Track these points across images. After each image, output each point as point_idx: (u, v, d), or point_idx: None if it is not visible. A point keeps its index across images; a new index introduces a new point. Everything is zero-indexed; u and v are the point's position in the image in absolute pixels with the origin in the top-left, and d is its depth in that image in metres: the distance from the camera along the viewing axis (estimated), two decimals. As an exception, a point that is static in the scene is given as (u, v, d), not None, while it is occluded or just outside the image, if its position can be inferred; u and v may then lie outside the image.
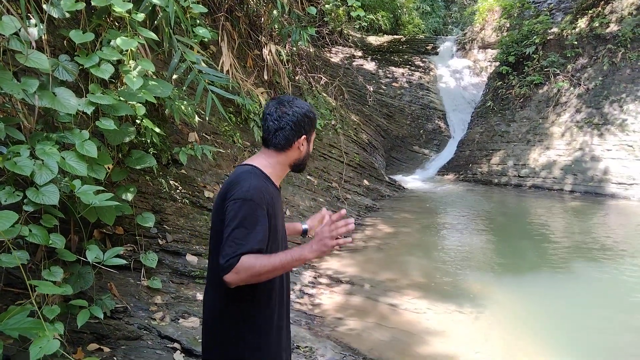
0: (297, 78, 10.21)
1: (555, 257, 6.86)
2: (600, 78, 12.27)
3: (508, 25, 16.73)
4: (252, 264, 1.76)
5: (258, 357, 2.01)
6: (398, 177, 13.41)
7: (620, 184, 10.84)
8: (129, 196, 3.89)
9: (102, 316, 3.05)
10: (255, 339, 1.99)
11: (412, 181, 13.59)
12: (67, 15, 3.31)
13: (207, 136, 6.78)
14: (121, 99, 3.46)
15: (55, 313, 2.55)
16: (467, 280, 5.94)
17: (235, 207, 1.84)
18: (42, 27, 3.08)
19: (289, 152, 2.06)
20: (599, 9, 13.27)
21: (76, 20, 4.04)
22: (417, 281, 5.81)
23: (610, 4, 12.97)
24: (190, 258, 4.71)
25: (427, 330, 4.52)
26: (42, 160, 2.70)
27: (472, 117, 15.86)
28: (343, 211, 1.84)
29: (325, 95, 11.50)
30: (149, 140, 4.57)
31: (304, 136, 2.06)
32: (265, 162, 2.05)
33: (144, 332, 3.50)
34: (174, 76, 5.39)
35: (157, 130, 4.50)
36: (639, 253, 7.02)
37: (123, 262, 3.25)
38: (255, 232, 1.82)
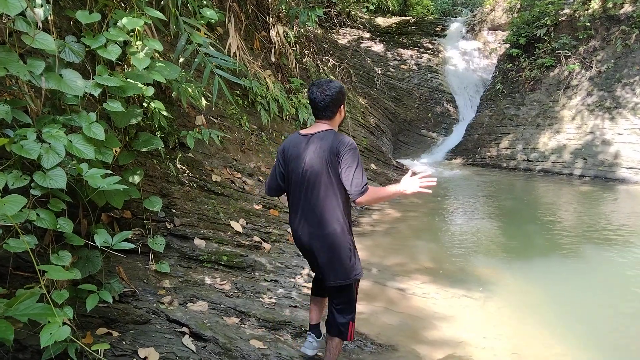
0: (304, 60, 10.10)
1: (565, 242, 6.81)
2: (612, 60, 12.06)
3: (519, 6, 16.42)
4: (374, 191, 2.78)
5: (359, 260, 3.10)
6: (405, 161, 13.32)
7: (631, 168, 10.71)
8: (136, 179, 3.86)
9: (111, 300, 3.04)
10: (355, 247, 3.06)
11: (419, 165, 13.50)
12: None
13: (214, 119, 6.73)
14: (129, 80, 3.41)
15: (64, 297, 2.53)
16: (476, 265, 5.91)
17: (353, 153, 2.78)
18: (47, 7, 3.03)
19: (336, 118, 2.99)
20: (614, -12, 12.99)
21: (82, 1, 3.98)
22: (425, 266, 5.78)
23: (626, -16, 12.69)
24: (198, 242, 4.69)
25: (435, 315, 4.51)
26: (49, 144, 2.67)
27: (481, 100, 15.69)
28: (429, 171, 2.70)
29: (333, 78, 11.39)
30: (156, 124, 4.53)
31: (342, 105, 2.98)
32: (329, 126, 2.95)
33: (153, 316, 3.49)
34: (181, 59, 5.33)
35: (165, 113, 4.46)
36: (650, 239, 6.96)
37: (132, 246, 3.24)
38: (364, 172, 2.79)
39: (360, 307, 4.50)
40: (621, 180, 10.68)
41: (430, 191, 2.73)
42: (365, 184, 2.72)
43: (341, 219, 2.90)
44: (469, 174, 12.37)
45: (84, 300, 2.91)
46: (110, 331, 3.12)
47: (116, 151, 3.69)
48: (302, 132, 3.01)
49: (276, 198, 6.75)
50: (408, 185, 2.73)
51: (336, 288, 3.02)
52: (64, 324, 2.26)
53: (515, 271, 5.75)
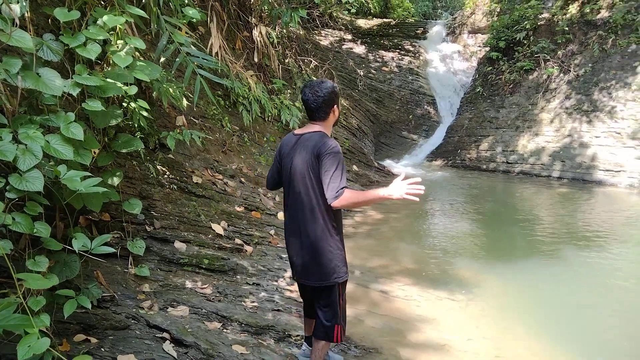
0: (286, 61, 10.05)
1: (545, 243, 6.88)
2: (590, 65, 12.27)
3: (499, 10, 16.62)
4: (349, 196, 2.69)
5: (345, 262, 3.07)
6: (387, 163, 13.35)
7: (607, 170, 10.91)
8: (115, 181, 3.77)
9: (89, 306, 2.95)
10: (341, 249, 3.03)
11: (400, 167, 13.55)
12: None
13: (195, 120, 6.65)
14: (108, 80, 3.33)
15: (40, 304, 2.44)
16: (458, 266, 5.93)
17: (333, 157, 2.75)
18: (24, 4, 2.93)
19: (330, 118, 2.99)
20: (590, -6, 13.23)
21: (60, -2, 3.87)
22: (407, 268, 5.78)
23: (602, -10, 12.94)
24: (178, 245, 4.61)
25: (418, 318, 4.50)
26: (26, 145, 2.58)
27: (461, 102, 15.82)
28: (418, 179, 2.69)
29: (315, 79, 11.35)
30: (136, 125, 4.44)
31: (334, 105, 2.96)
32: (322, 127, 2.96)
33: (132, 321, 3.41)
34: (162, 58, 5.24)
35: (145, 113, 4.37)
36: (627, 240, 7.09)
37: (111, 250, 3.16)
38: (344, 175, 2.75)
39: (343, 310, 4.48)
40: (598, 182, 10.87)
41: (417, 199, 2.68)
42: (342, 188, 2.68)
43: (321, 220, 2.89)
44: (450, 176, 12.46)
45: (62, 306, 2.82)
46: (89, 338, 3.03)
47: (95, 152, 3.60)
48: (296, 131, 3.07)
49: (258, 200, 6.69)
50: (396, 189, 2.68)
51: (314, 288, 3.05)
52: (42, 333, 2.17)
53: (497, 273, 5.79)
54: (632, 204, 9.40)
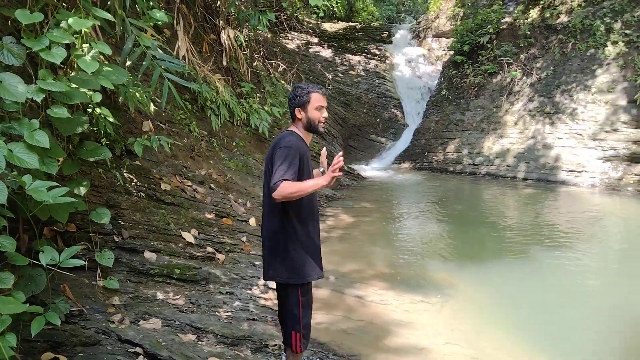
0: (254, 64, 9.94)
1: (513, 243, 7.00)
2: (551, 68, 12.60)
3: (462, 14, 16.93)
4: (286, 186, 2.68)
5: (304, 265, 2.97)
6: (356, 166, 13.39)
7: (570, 171, 11.21)
8: (82, 190, 3.63)
9: (59, 323, 2.80)
10: (301, 251, 2.96)
11: (370, 170, 13.61)
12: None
13: (161, 125, 6.48)
14: (74, 85, 3.18)
15: (6, 324, 2.29)
16: (431, 269, 5.96)
17: (281, 151, 2.82)
18: (-19, 5, 2.77)
19: (298, 121, 3.06)
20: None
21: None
22: (381, 272, 5.77)
23: (560, -5, 13.34)
24: (148, 255, 4.46)
25: (395, 322, 4.49)
26: (-14, 155, 2.43)
27: (427, 105, 16.02)
28: (339, 156, 2.67)
29: (283, 82, 11.28)
30: (102, 131, 4.28)
31: (297, 108, 3.03)
32: (295, 128, 3.07)
33: (103, 336, 3.27)
34: (127, 62, 5.08)
35: (111, 119, 4.22)
36: (590, 239, 7.27)
37: (81, 263, 3.01)
38: (291, 167, 2.76)
39: (319, 316, 4.44)
40: (562, 183, 11.15)
41: (340, 173, 2.71)
42: (279, 180, 2.70)
43: (278, 215, 2.94)
44: (418, 178, 12.58)
45: (28, 323, 2.67)
46: (57, 356, 2.88)
47: (59, 161, 3.44)
48: None
49: (229, 206, 6.57)
50: (324, 177, 2.69)
51: (277, 287, 3.10)
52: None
53: (469, 274, 5.85)
54: (594, 203, 9.67)
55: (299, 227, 2.96)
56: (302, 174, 2.85)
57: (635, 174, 10.39)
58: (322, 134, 3.21)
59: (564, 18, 12.86)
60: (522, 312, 4.92)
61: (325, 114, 3.08)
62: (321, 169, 3.37)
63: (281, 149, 2.84)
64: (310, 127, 3.04)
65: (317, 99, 3.02)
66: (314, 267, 3.03)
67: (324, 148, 3.35)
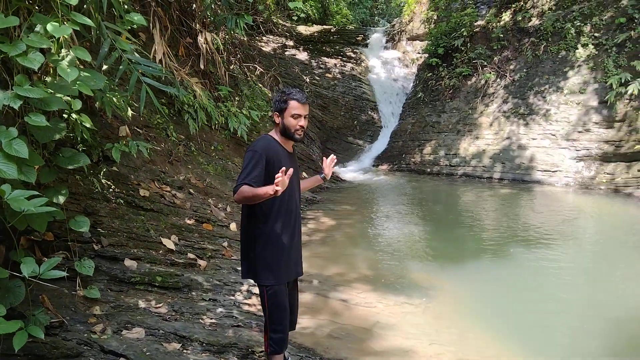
0: (232, 67, 9.86)
1: (492, 243, 7.09)
2: (524, 70, 12.84)
3: (436, 18, 17.11)
4: (243, 190, 2.74)
5: (268, 267, 3.00)
6: (335, 169, 13.35)
7: (545, 171, 11.43)
8: (61, 199, 3.54)
9: (42, 336, 2.71)
10: (266, 251, 3.01)
11: (348, 172, 13.63)
12: (-16, -5, 2.89)
13: (138, 129, 6.37)
14: (49, 91, 3.09)
15: (-15, 339, 2.22)
16: (413, 270, 5.99)
17: (246, 155, 2.91)
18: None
19: (276, 125, 3.09)
20: (521, 3, 13.87)
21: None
22: (364, 274, 5.78)
23: (531, -1, 13.61)
24: (129, 263, 4.38)
25: (380, 325, 4.49)
26: (-38, 163, 2.34)
27: (403, 108, 16.14)
28: (290, 170, 2.70)
29: (261, 85, 11.22)
30: (78, 137, 4.18)
31: (275, 112, 3.08)
32: (273, 132, 3.12)
33: (85, 347, 3.18)
34: (104, 67, 4.98)
35: (88, 125, 4.12)
36: (567, 237, 7.43)
37: (63, 274, 2.93)
38: (253, 171, 2.82)
39: (305, 321, 4.42)
40: (537, 182, 11.35)
41: (280, 188, 2.63)
42: (238, 185, 2.78)
43: (246, 217, 3.06)
44: (396, 180, 12.65)
45: (8, 337, 2.58)
46: (38, 370, 2.80)
47: (36, 168, 3.34)
48: None
49: (209, 211, 6.49)
50: (270, 187, 2.64)
51: None
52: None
53: (450, 275, 5.90)
54: (568, 202, 9.88)
55: (265, 228, 3.00)
56: (272, 178, 2.76)
57: (607, 173, 10.65)
58: (298, 141, 3.16)
59: (535, 21, 13.12)
60: (503, 312, 4.99)
61: (303, 122, 3.05)
62: (321, 175, 3.51)
63: (247, 153, 2.92)
64: (286, 133, 3.05)
65: (294, 107, 3.01)
66: (280, 270, 3.04)
67: (332, 156, 3.52)
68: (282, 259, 3.05)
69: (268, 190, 2.66)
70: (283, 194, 2.82)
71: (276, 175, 2.62)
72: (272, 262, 3.02)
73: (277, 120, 3.06)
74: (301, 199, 3.64)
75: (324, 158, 3.49)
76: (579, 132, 11.28)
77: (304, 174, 10.52)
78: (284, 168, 2.66)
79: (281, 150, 3.06)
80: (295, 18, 20.04)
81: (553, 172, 11.30)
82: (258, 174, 2.83)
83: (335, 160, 3.40)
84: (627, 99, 10.63)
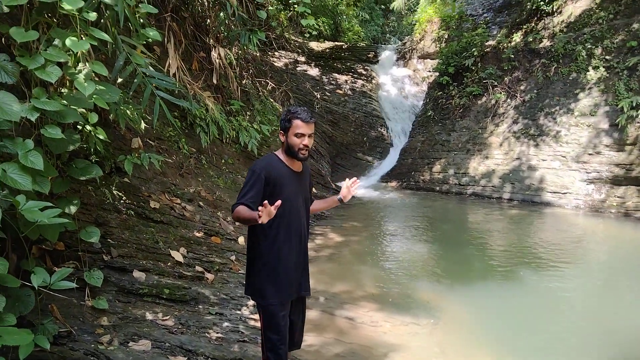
0: (244, 82, 9.97)
1: (501, 264, 7.04)
2: (535, 91, 12.85)
3: (447, 37, 17.22)
4: (238, 210, 2.78)
5: (264, 286, 2.99)
6: (343, 184, 13.38)
7: (554, 192, 11.37)
8: (73, 209, 3.58)
9: (48, 346, 2.74)
10: (264, 270, 3.00)
11: (357, 188, 13.61)
12: (6, 9, 2.97)
13: (150, 142, 6.44)
14: (65, 103, 3.15)
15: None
16: (420, 290, 5.96)
17: (247, 175, 2.95)
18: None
19: (282, 144, 3.07)
20: (532, 24, 13.93)
21: (10, 15, 3.66)
22: (371, 292, 5.75)
23: (543, 21, 13.66)
24: (137, 274, 4.40)
25: (386, 345, 4.46)
26: (-21, 174, 2.39)
27: (413, 125, 16.17)
28: (277, 202, 2.63)
29: (272, 100, 11.32)
30: (92, 148, 4.24)
31: (281, 131, 3.07)
32: (280, 150, 3.12)
33: (92, 358, 3.20)
34: (119, 79, 5.06)
35: (102, 137, 4.18)
36: (576, 260, 7.36)
37: (73, 285, 2.96)
38: (250, 191, 2.86)
39: (310, 338, 4.40)
40: (546, 204, 11.29)
41: (271, 211, 2.59)
42: (235, 204, 2.83)
43: (249, 234, 3.09)
44: (405, 197, 12.64)
45: (14, 345, 2.59)
46: (45, 380, 2.81)
47: (49, 179, 3.38)
48: None
49: (217, 224, 6.52)
50: (257, 214, 2.58)
51: None
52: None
53: (457, 295, 5.86)
54: (578, 224, 9.81)
55: (264, 247, 2.99)
56: (274, 197, 2.79)
57: (618, 197, 10.57)
58: (302, 160, 3.09)
59: (546, 42, 13.16)
60: (511, 334, 4.93)
61: (307, 141, 2.98)
62: (338, 197, 3.50)
63: (248, 172, 2.96)
64: (290, 152, 3.01)
65: (298, 126, 2.95)
66: (277, 290, 2.98)
67: (354, 178, 3.51)
68: (280, 279, 2.99)
69: (254, 215, 2.62)
70: (284, 214, 2.87)
71: (264, 202, 2.55)
72: (269, 282, 2.98)
73: (282, 138, 3.04)
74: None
75: (347, 179, 3.45)
76: (590, 154, 11.23)
77: (313, 188, 10.53)
78: (279, 202, 2.63)
79: (284, 170, 3.02)
80: (307, 35, 20.23)
81: (563, 194, 11.24)
82: (254, 195, 2.84)
83: (359, 184, 3.40)
84: (638, 123, 10.58)
